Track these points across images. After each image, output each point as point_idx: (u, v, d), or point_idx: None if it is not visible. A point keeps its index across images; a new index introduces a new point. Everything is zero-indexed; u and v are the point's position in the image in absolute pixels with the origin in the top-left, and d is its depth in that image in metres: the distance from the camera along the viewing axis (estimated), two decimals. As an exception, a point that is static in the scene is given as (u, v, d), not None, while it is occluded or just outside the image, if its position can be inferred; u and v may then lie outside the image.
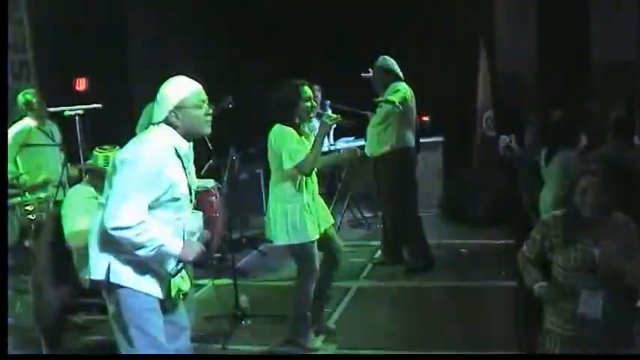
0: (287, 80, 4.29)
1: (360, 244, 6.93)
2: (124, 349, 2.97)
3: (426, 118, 8.04)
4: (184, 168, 2.97)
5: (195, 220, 3.10)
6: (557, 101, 6.51)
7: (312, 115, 4.31)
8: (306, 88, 4.24)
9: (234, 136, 7.36)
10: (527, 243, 3.43)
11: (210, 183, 6.33)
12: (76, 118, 5.27)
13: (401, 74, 5.90)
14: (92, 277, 2.95)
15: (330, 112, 4.37)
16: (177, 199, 2.91)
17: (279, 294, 5.72)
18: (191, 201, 3.06)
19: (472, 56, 8.24)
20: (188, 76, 3.05)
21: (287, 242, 4.24)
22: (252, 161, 8.63)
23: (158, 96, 2.95)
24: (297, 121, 4.21)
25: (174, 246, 2.89)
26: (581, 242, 3.17)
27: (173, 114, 2.91)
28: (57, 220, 4.17)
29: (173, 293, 3.04)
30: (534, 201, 5.67)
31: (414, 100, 5.93)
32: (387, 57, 5.91)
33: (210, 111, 3.00)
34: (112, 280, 2.89)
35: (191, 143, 3.05)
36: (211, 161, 6.44)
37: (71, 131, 5.34)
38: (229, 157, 5.61)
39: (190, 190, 3.04)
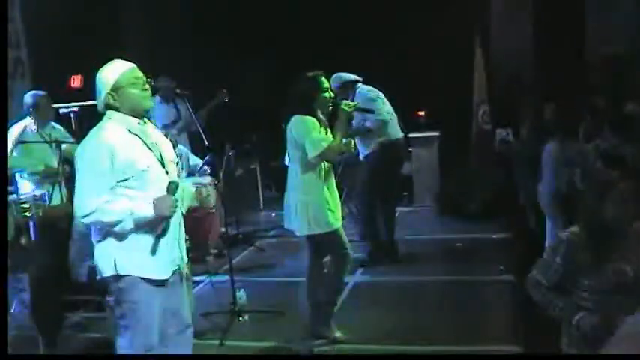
0: (302, 73, 4.30)
1: (357, 240, 6.88)
2: (121, 335, 3.03)
3: (421, 113, 8.10)
4: (145, 143, 3.02)
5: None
6: (553, 95, 6.51)
7: (330, 105, 4.30)
8: (324, 79, 4.27)
9: (230, 132, 7.34)
10: (540, 269, 2.86)
11: (205, 179, 6.39)
12: (71, 115, 5.24)
13: (358, 78, 6.01)
14: (102, 276, 3.03)
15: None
16: (144, 172, 2.96)
17: (276, 290, 5.73)
18: (167, 172, 3.07)
19: (468, 50, 8.26)
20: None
21: (310, 232, 4.24)
22: (248, 157, 8.73)
23: (96, 84, 3.04)
24: (317, 112, 4.23)
25: (144, 206, 2.93)
26: (614, 260, 2.74)
27: (110, 96, 3.00)
28: (54, 218, 4.15)
29: (173, 268, 3.09)
30: (531, 195, 5.70)
31: (377, 93, 6.01)
32: (341, 73, 5.97)
33: (147, 86, 3.06)
34: (120, 272, 2.97)
35: (145, 120, 3.10)
36: (208, 157, 6.47)
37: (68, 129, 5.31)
38: (225, 153, 5.57)
39: (163, 162, 3.06)
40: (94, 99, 3.11)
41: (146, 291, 2.99)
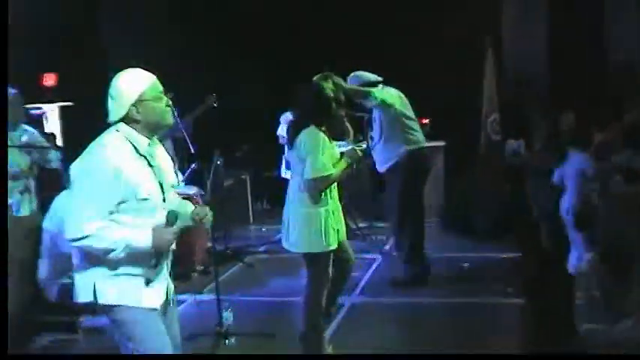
0: (316, 78, 4.41)
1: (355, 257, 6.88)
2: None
3: (426, 121, 8.07)
4: (151, 166, 3.02)
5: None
6: (569, 104, 6.47)
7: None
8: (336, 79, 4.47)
9: (219, 138, 7.32)
10: None
11: (192, 189, 6.41)
12: (44, 117, 5.17)
13: (379, 78, 5.92)
14: (78, 300, 3.03)
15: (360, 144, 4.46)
16: (144, 200, 2.95)
17: (266, 310, 5.67)
18: (165, 200, 3.08)
19: (477, 55, 8.19)
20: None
21: (307, 250, 4.25)
22: (238, 166, 8.67)
23: (113, 92, 2.98)
24: (330, 121, 4.31)
25: (142, 237, 2.92)
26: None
27: (134, 109, 2.96)
28: (22, 231, 4.09)
29: (163, 297, 3.11)
30: (543, 211, 5.66)
31: (402, 97, 5.94)
32: (360, 72, 5.90)
33: (170, 102, 3.07)
34: (99, 301, 2.96)
35: (154, 139, 3.10)
36: (193, 166, 6.43)
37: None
38: (213, 161, 5.55)
39: (163, 188, 3.07)
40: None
41: (142, 322, 2.99)
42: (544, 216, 5.74)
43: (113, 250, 2.86)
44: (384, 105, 5.68)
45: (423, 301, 5.69)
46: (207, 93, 7.09)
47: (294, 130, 4.27)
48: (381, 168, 6.05)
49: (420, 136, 5.97)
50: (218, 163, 5.76)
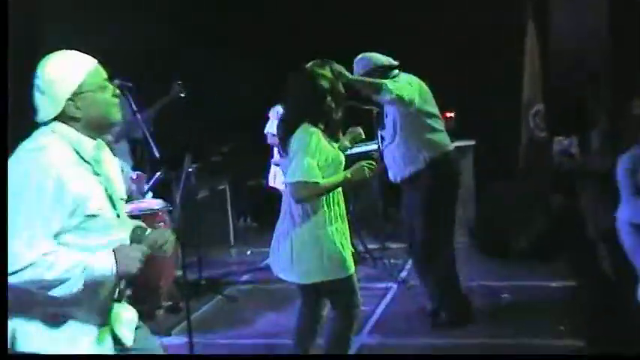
0: (306, 65, 4.41)
1: (363, 287, 6.77)
2: None
3: (450, 115, 8.03)
4: (97, 174, 2.95)
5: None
6: (632, 92, 6.41)
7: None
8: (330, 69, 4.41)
9: (190, 138, 7.25)
10: None
11: (157, 204, 6.39)
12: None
13: (394, 63, 5.79)
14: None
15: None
16: (93, 217, 2.88)
17: (251, 355, 5.65)
18: (118, 215, 3.05)
19: (515, 33, 8.23)
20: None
21: (324, 278, 4.26)
22: (215, 174, 8.65)
23: (42, 84, 2.88)
24: (328, 116, 4.31)
25: (103, 262, 2.84)
26: None
27: (71, 104, 2.89)
28: None
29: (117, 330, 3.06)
30: (603, 226, 5.63)
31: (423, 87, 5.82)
32: (369, 54, 5.79)
33: (117, 91, 3.03)
34: (19, 349, 2.86)
35: (100, 140, 3.06)
36: (158, 174, 6.36)
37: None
38: (184, 168, 5.48)
39: (114, 201, 3.03)
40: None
41: None
42: (604, 233, 5.78)
43: (66, 280, 2.75)
44: (402, 101, 5.51)
45: (451, 342, 5.61)
46: (172, 81, 6.98)
47: (285, 129, 4.29)
48: (396, 177, 5.92)
49: (444, 137, 5.85)
50: (190, 170, 5.78)
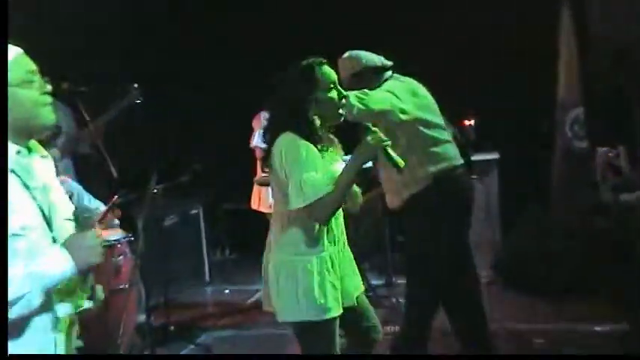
0: (292, 63, 4.36)
1: None
2: None
3: (470, 123, 8.04)
4: (27, 187, 2.97)
5: None
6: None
7: (341, 112, 4.36)
8: (326, 69, 4.33)
9: (156, 154, 7.27)
10: None
11: (115, 234, 6.34)
12: None
13: (386, 63, 5.72)
14: None
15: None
16: (13, 238, 2.85)
17: None
18: (55, 239, 3.03)
19: (548, 24, 8.23)
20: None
21: (298, 318, 4.23)
22: (186, 197, 8.66)
23: None
24: (314, 125, 4.28)
25: (55, 263, 2.87)
26: None
27: None
28: None
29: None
30: None
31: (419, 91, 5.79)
32: (357, 52, 5.72)
33: (48, 88, 3.06)
34: None
35: (35, 146, 3.10)
36: (117, 197, 6.33)
37: None
38: (148, 189, 5.50)
39: (50, 222, 3.04)
40: None
41: None
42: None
43: (23, 296, 2.80)
44: (375, 115, 5.43)
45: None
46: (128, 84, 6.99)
47: (269, 137, 4.29)
48: (393, 202, 5.85)
49: (450, 149, 5.78)
50: (155, 191, 5.82)
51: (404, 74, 5.70)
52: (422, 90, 5.62)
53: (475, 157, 8.22)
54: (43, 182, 3.06)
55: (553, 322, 6.84)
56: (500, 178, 8.46)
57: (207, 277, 9.24)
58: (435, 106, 5.67)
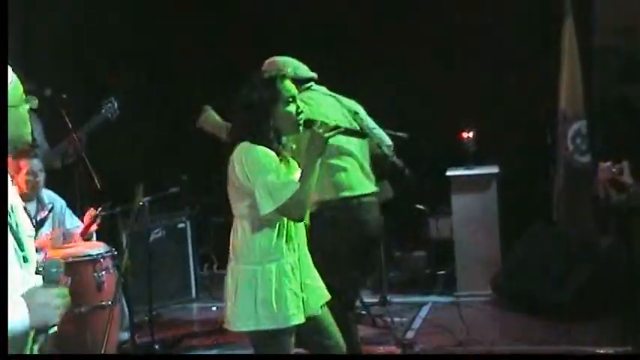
0: (254, 74, 4.52)
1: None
2: None
3: (468, 135, 7.98)
4: None
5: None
6: None
7: (300, 124, 4.42)
8: (287, 83, 4.42)
9: (144, 168, 7.17)
10: None
11: (98, 248, 6.30)
12: None
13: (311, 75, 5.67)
14: None
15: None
16: None
17: None
18: (26, 259, 2.98)
19: (550, 33, 8.23)
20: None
21: (255, 327, 4.28)
22: (173, 210, 8.57)
23: None
24: (272, 136, 4.35)
25: (12, 314, 2.75)
26: None
27: None
28: None
29: None
30: None
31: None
32: (283, 59, 5.64)
33: (35, 101, 3.08)
34: None
35: None
36: (99, 210, 6.31)
37: None
38: (134, 203, 5.39)
39: (21, 243, 2.97)
40: None
41: None
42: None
43: None
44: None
45: None
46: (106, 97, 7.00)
47: (228, 146, 4.41)
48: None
49: (349, 177, 5.57)
50: (141, 204, 5.74)
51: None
52: (339, 102, 5.62)
53: (474, 172, 8.29)
54: (10, 203, 2.99)
55: (553, 344, 6.78)
56: (499, 193, 8.42)
57: (193, 293, 9.18)
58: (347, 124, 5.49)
